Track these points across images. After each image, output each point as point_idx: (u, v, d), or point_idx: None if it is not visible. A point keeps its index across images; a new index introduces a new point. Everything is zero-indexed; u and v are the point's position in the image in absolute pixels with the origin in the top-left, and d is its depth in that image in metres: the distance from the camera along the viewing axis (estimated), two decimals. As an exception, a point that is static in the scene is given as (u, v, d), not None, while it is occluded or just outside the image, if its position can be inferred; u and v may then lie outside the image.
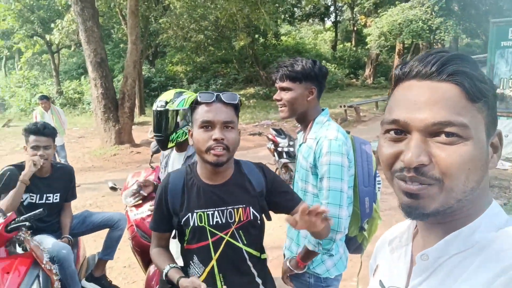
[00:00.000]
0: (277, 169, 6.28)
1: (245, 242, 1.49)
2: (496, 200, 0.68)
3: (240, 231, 1.48)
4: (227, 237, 1.47)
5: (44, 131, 2.67)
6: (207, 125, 1.41)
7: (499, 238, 0.63)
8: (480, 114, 0.63)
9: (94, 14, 10.30)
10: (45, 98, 7.44)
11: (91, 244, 4.08)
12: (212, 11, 16.61)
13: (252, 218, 1.49)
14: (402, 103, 0.66)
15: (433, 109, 0.62)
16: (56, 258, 2.49)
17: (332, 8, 28.43)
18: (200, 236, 1.47)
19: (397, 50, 21.02)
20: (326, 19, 31.13)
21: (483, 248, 0.63)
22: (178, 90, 2.33)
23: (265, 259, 1.61)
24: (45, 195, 2.74)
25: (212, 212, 1.47)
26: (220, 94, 1.45)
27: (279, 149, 6.37)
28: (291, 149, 6.25)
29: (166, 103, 2.17)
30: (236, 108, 1.49)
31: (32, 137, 2.65)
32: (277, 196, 1.56)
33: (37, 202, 2.71)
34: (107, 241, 3.05)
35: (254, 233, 1.52)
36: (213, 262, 1.47)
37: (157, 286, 2.12)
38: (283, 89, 1.79)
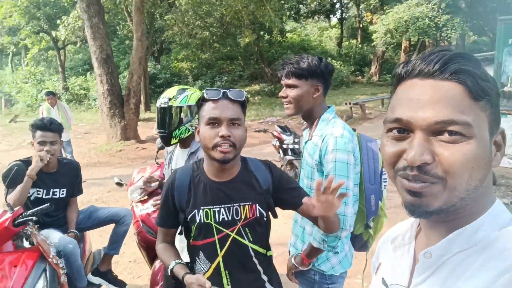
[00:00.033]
0: (282, 166, 6.28)
1: (251, 239, 1.49)
2: (503, 199, 0.68)
3: (246, 228, 1.48)
4: (233, 234, 1.47)
5: (51, 127, 2.69)
6: (214, 122, 1.41)
7: (502, 236, 0.63)
8: (483, 113, 0.63)
9: (99, 11, 10.34)
10: (51, 94, 7.49)
11: (97, 239, 4.11)
12: (218, 7, 16.58)
13: (258, 215, 1.49)
14: (405, 102, 0.66)
15: (436, 108, 0.62)
16: (63, 253, 2.52)
17: (338, 5, 28.29)
18: (206, 233, 1.48)
19: (403, 47, 20.92)
20: (331, 16, 31.04)
21: (486, 246, 0.63)
22: (182, 86, 2.33)
23: (271, 256, 1.61)
24: (51, 190, 2.77)
25: (218, 209, 1.47)
26: (227, 91, 1.45)
27: (284, 146, 6.37)
28: (296, 146, 6.25)
29: (169, 99, 2.18)
30: (243, 105, 1.48)
31: (38, 133, 2.67)
32: (284, 193, 1.56)
33: (44, 197, 2.73)
34: (113, 236, 3.07)
35: (260, 230, 1.52)
36: (219, 258, 1.48)
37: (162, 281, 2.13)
38: (289, 86, 1.78)
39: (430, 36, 16.12)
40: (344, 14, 28.92)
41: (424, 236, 0.74)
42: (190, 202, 1.49)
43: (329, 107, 1.84)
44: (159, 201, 2.43)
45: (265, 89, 19.91)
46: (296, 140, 6.29)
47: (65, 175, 2.85)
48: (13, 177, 2.31)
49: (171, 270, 1.45)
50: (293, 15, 25.59)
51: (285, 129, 6.64)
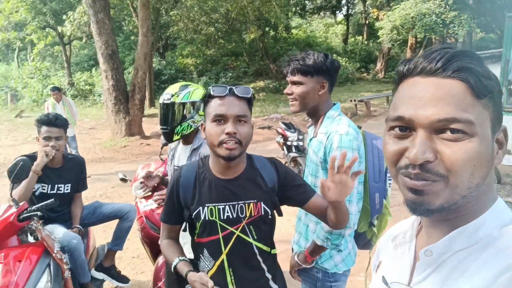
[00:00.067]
0: (286, 163, 6.27)
1: (255, 237, 1.49)
2: (508, 198, 0.67)
3: (251, 226, 1.47)
4: (237, 232, 1.47)
5: (56, 122, 2.70)
6: (220, 119, 1.40)
7: (504, 235, 0.63)
8: (486, 111, 0.63)
9: (105, 6, 10.35)
10: (57, 90, 7.51)
11: (101, 235, 4.13)
12: (223, 3, 16.56)
13: (263, 213, 1.48)
14: (407, 100, 0.66)
15: (438, 106, 0.61)
16: (67, 248, 2.53)
17: (343, 1, 28.13)
18: (210, 230, 1.47)
19: (409, 44, 20.77)
20: (337, 12, 30.84)
21: (488, 245, 0.63)
22: (184, 83, 2.34)
23: (275, 254, 1.61)
24: (56, 186, 2.78)
25: (223, 206, 1.46)
26: (233, 87, 1.43)
27: (288, 143, 6.36)
28: (300, 143, 6.23)
29: (172, 96, 2.19)
30: (249, 102, 1.47)
31: (44, 128, 2.68)
32: (290, 190, 1.54)
33: (48, 192, 2.75)
34: (116, 231, 3.09)
35: (264, 228, 1.51)
36: (223, 256, 1.48)
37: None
38: (294, 83, 1.77)
39: (436, 33, 15.96)
40: (350, 10, 28.77)
41: (425, 234, 0.74)
42: (195, 199, 1.49)
43: (334, 104, 1.83)
44: (159, 197, 2.44)
45: (270, 86, 19.87)
46: (300, 137, 6.28)
47: (70, 170, 2.87)
48: (19, 172, 2.32)
49: (175, 267, 1.45)
50: (299, 11, 25.48)
51: (289, 126, 6.62)
